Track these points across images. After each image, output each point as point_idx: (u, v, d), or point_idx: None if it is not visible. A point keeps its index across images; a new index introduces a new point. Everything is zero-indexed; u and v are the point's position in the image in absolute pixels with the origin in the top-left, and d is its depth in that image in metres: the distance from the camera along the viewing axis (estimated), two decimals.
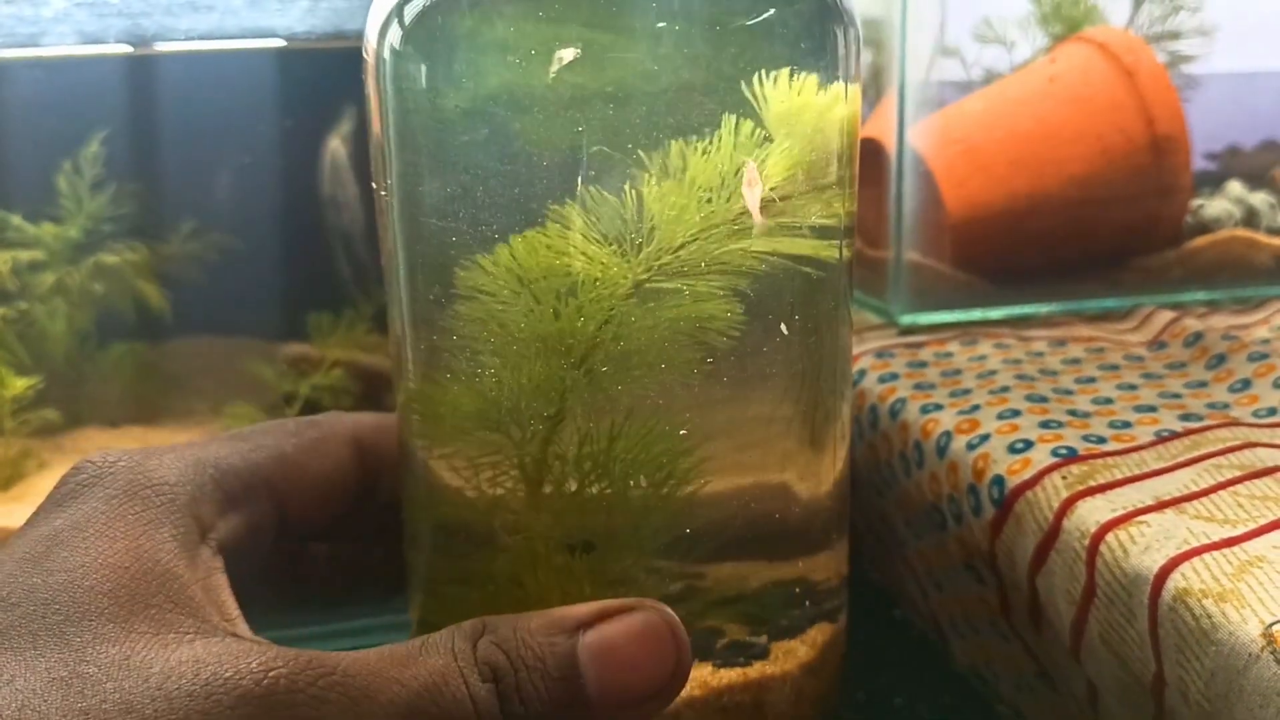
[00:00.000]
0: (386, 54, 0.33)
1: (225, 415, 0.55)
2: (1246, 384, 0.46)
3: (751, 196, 0.32)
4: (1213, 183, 0.61)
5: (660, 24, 0.31)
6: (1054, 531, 0.38)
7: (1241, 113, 0.63)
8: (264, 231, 0.56)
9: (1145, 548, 0.35)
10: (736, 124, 0.32)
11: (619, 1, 0.32)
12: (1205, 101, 0.59)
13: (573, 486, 0.33)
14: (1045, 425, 0.43)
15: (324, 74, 0.53)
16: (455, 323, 0.33)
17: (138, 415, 0.56)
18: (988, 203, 0.56)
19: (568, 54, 0.31)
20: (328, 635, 0.46)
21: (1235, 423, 0.43)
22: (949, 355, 0.52)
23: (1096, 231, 0.57)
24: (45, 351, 0.53)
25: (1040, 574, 0.38)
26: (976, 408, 0.45)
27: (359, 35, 0.35)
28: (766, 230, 0.33)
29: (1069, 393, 0.47)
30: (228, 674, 0.28)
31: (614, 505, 0.33)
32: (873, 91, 0.58)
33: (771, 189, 0.33)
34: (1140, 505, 0.37)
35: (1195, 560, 0.33)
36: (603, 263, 0.32)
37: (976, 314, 0.56)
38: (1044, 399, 0.46)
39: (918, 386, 0.48)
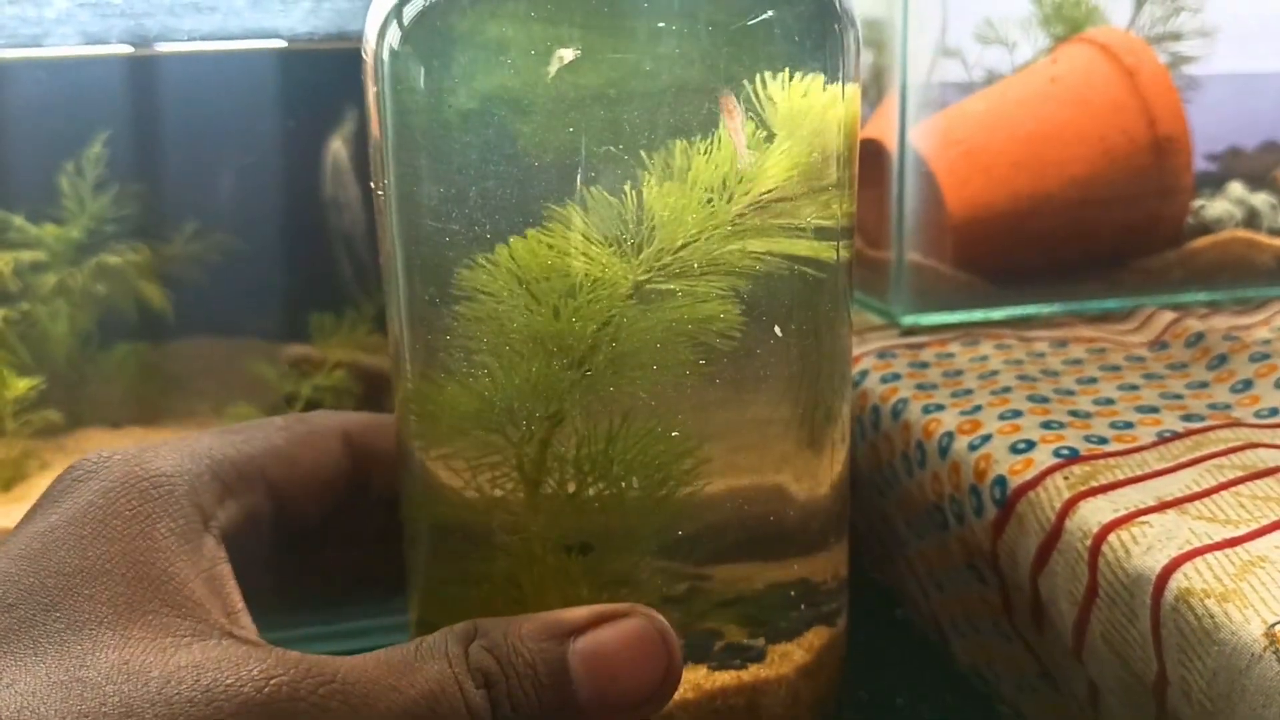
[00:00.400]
0: (385, 55, 0.33)
1: (227, 416, 0.55)
2: (1248, 384, 0.46)
3: (733, 126, 0.32)
4: (1214, 183, 0.61)
5: (659, 24, 0.31)
6: (1056, 532, 0.38)
7: (1243, 114, 0.63)
8: (266, 232, 0.56)
9: (1147, 548, 0.35)
10: (750, 125, 0.32)
11: (618, 2, 0.32)
12: (1206, 102, 0.59)
13: (571, 487, 0.33)
14: (1047, 426, 0.43)
15: (326, 75, 0.53)
16: (454, 323, 0.33)
17: (140, 416, 0.56)
18: (989, 203, 0.56)
19: (567, 54, 0.31)
20: (329, 636, 0.46)
21: (1237, 423, 0.43)
22: (951, 356, 0.52)
23: (1098, 232, 0.57)
24: (47, 352, 0.53)
25: (1042, 574, 0.38)
26: (978, 408, 0.45)
27: (361, 36, 0.35)
28: (751, 165, 0.32)
29: (1071, 393, 0.47)
30: (229, 680, 0.28)
31: (612, 506, 0.33)
32: (874, 92, 0.58)
33: (770, 190, 0.33)
34: (1142, 506, 0.37)
35: (1197, 560, 0.33)
36: (603, 263, 0.32)
37: (978, 315, 0.56)
38: (1046, 399, 0.46)
39: (920, 387, 0.48)
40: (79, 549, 0.31)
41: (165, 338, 0.55)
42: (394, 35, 0.33)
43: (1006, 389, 0.47)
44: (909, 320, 0.56)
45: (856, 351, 0.53)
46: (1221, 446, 0.40)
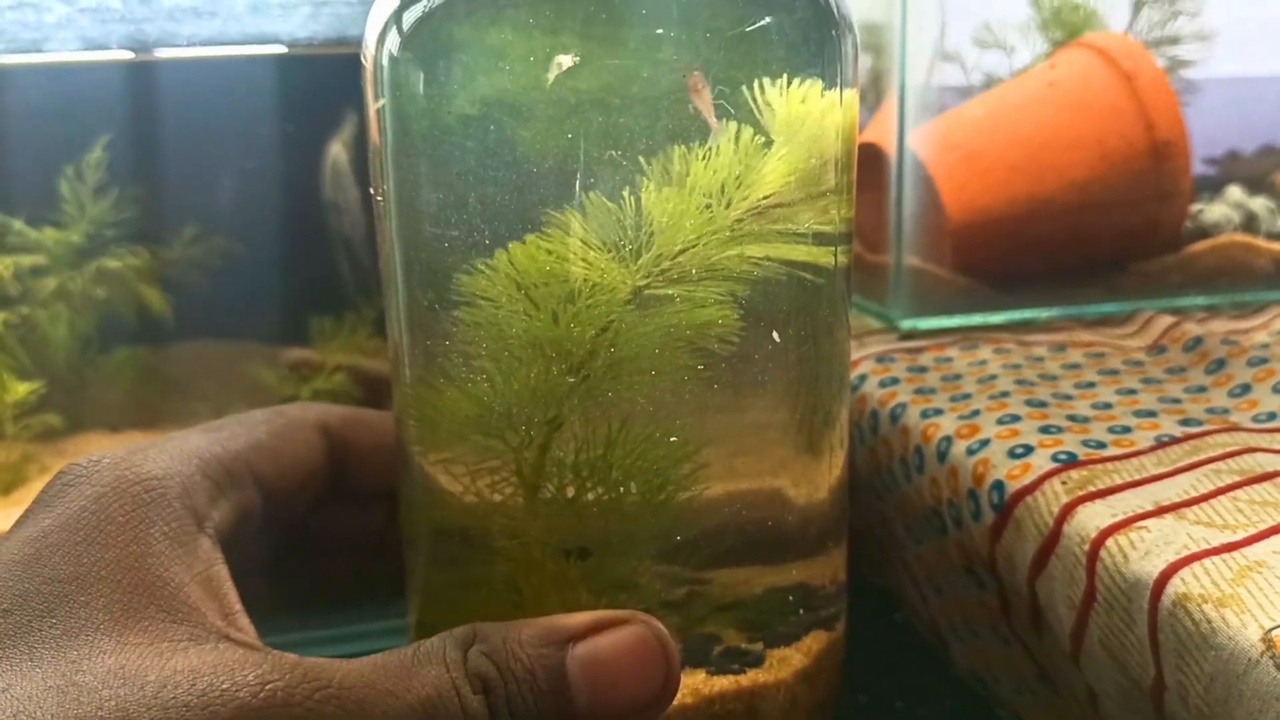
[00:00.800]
0: (385, 60, 0.33)
1: None
2: (1246, 389, 0.46)
3: (701, 104, 0.32)
4: (1212, 188, 0.61)
5: (658, 31, 0.32)
6: (1054, 536, 0.38)
7: (1241, 118, 0.64)
8: (266, 236, 0.56)
9: (1145, 553, 0.35)
10: (738, 131, 0.32)
11: (616, 9, 0.32)
12: (1205, 106, 0.59)
13: (570, 492, 0.34)
14: (1045, 430, 0.43)
15: (326, 79, 0.53)
16: (453, 328, 0.34)
17: (139, 420, 0.56)
18: (988, 207, 0.56)
19: (566, 61, 0.31)
20: (329, 640, 0.47)
21: (1235, 428, 0.43)
22: (949, 360, 0.52)
23: (1096, 236, 0.57)
24: (47, 356, 0.53)
25: (1040, 579, 0.38)
26: (977, 413, 0.45)
27: (360, 41, 0.35)
28: (720, 136, 0.32)
29: (1069, 398, 0.47)
30: (224, 685, 0.28)
31: (611, 511, 0.34)
32: (873, 96, 0.58)
33: (768, 195, 0.33)
34: (1140, 510, 0.37)
35: (1195, 565, 0.33)
36: (601, 269, 0.32)
37: (977, 319, 0.56)
38: (1044, 404, 0.46)
39: (918, 391, 0.48)
40: (73, 555, 0.31)
41: (165, 341, 0.55)
42: (393, 41, 0.33)
43: (1005, 393, 0.47)
44: (907, 324, 0.56)
45: (855, 356, 0.53)
46: (1219, 451, 0.40)
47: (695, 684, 0.35)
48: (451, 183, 0.33)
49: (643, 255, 0.32)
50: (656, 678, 0.31)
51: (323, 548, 0.40)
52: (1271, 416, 0.44)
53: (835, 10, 0.34)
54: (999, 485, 0.41)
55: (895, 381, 0.50)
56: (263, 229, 0.56)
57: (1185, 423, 0.44)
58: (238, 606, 0.32)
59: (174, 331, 0.55)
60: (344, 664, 0.30)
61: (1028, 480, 0.40)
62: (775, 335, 0.34)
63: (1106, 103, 0.57)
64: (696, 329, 0.33)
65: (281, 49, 0.50)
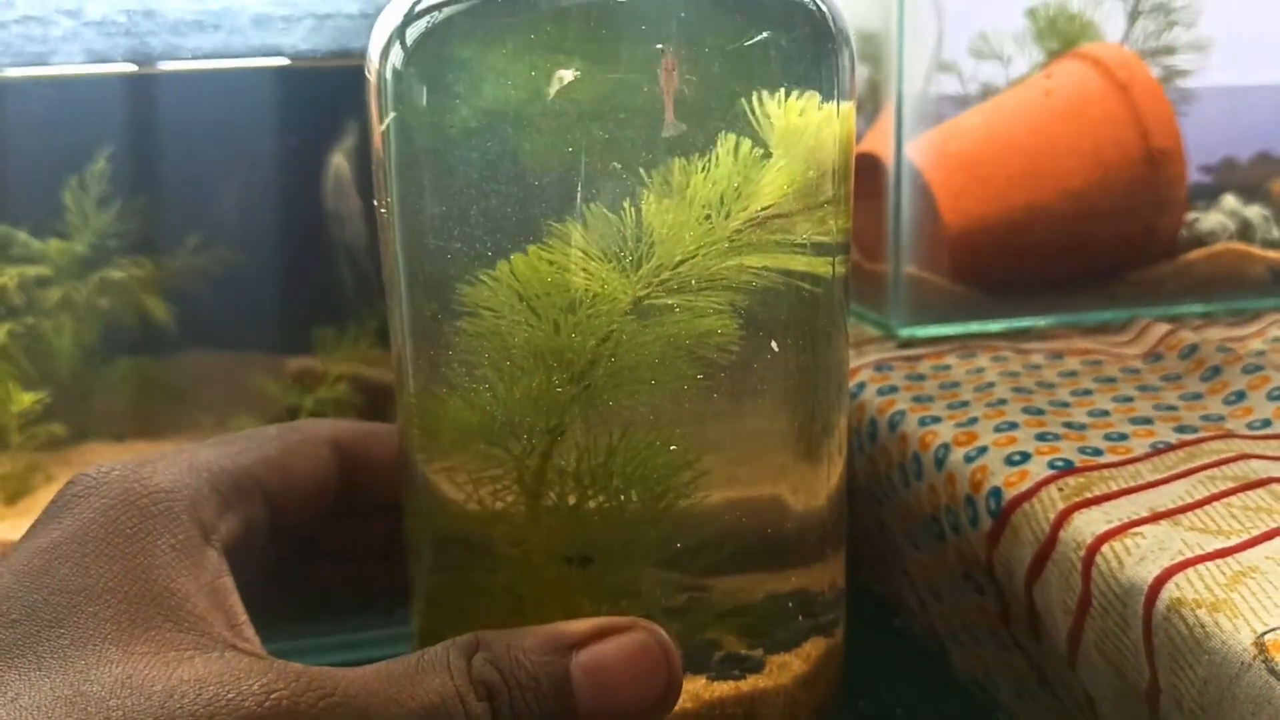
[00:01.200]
0: (388, 74, 0.34)
1: (230, 429, 0.55)
2: (1241, 396, 0.47)
3: (667, 87, 0.32)
4: (1208, 196, 0.61)
5: (658, 45, 0.32)
6: (1050, 543, 0.38)
7: (1236, 126, 0.64)
8: (268, 246, 0.56)
9: (1140, 559, 0.35)
10: (736, 143, 0.32)
11: (617, 23, 0.32)
12: (1200, 115, 0.59)
13: (571, 500, 0.34)
14: (1042, 437, 0.43)
15: (328, 91, 0.53)
16: (455, 338, 0.34)
17: (143, 429, 0.56)
18: (985, 216, 0.56)
19: (567, 75, 0.32)
20: (334, 647, 0.47)
21: (1230, 435, 0.43)
22: (947, 368, 0.52)
23: (1093, 244, 0.58)
24: (51, 366, 0.54)
25: (1037, 584, 0.39)
26: (974, 420, 0.46)
27: (363, 53, 0.35)
28: (676, 130, 0.32)
29: (1066, 405, 0.47)
30: (230, 695, 0.29)
31: (612, 519, 0.34)
32: (871, 106, 0.58)
33: (767, 206, 0.33)
34: (1135, 517, 0.37)
35: (1189, 571, 0.34)
36: (602, 279, 0.32)
37: (974, 327, 0.57)
38: (1041, 411, 0.46)
39: (916, 399, 0.49)
40: (81, 566, 0.31)
41: (168, 351, 0.55)
42: (397, 56, 0.34)
43: (1002, 401, 0.47)
44: (906, 332, 0.56)
45: (854, 364, 0.53)
46: (1214, 458, 0.41)
47: (695, 689, 0.35)
48: (454, 195, 0.33)
49: (643, 266, 0.33)
50: (658, 683, 0.32)
51: (330, 558, 0.40)
52: (1266, 423, 0.44)
53: (832, 24, 0.35)
54: (996, 492, 0.41)
55: (893, 389, 0.50)
56: (265, 239, 0.56)
57: (1181, 429, 0.44)
58: (243, 617, 0.33)
59: (177, 341, 0.55)
60: (348, 672, 0.30)
61: (1025, 487, 0.40)
62: (774, 344, 0.34)
63: (1102, 112, 0.57)
64: (696, 338, 0.33)
65: (284, 62, 0.51)
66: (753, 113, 0.33)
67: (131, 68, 0.50)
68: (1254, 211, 0.61)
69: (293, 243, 0.56)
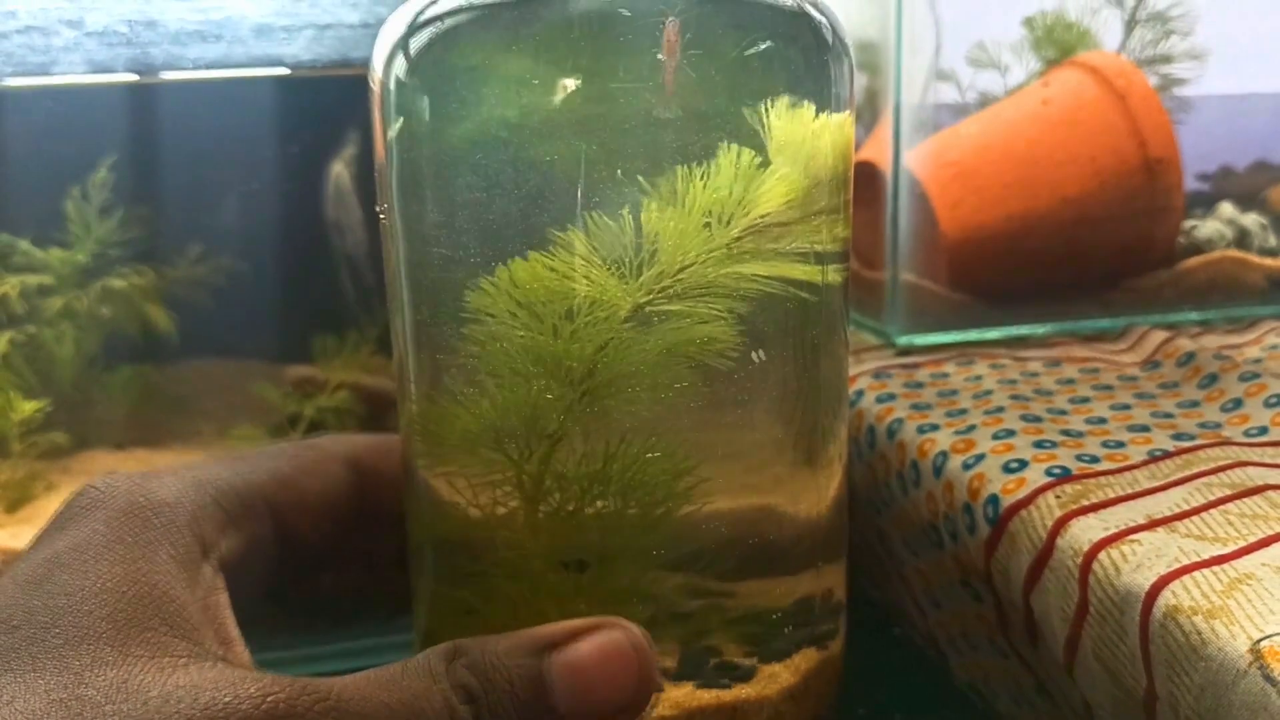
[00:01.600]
0: (392, 84, 0.34)
1: (230, 437, 0.55)
2: (1238, 403, 0.47)
3: (668, 60, 0.32)
4: (1205, 204, 0.62)
5: (660, 55, 0.32)
6: (1048, 550, 0.38)
7: (1233, 134, 0.64)
8: (269, 255, 0.56)
9: (1137, 566, 0.35)
10: (739, 153, 0.33)
11: (619, 33, 0.32)
12: (1197, 123, 0.59)
13: (570, 506, 0.34)
14: (1039, 445, 0.43)
15: (329, 101, 0.54)
16: (457, 344, 0.34)
17: (144, 437, 0.56)
18: (982, 224, 0.57)
19: (569, 84, 0.32)
20: (332, 656, 0.47)
21: (1226, 442, 0.43)
22: (945, 376, 0.52)
23: (1090, 252, 0.58)
24: (53, 375, 0.54)
25: (1034, 591, 0.39)
26: (972, 428, 0.46)
27: (363, 63, 0.36)
28: (673, 93, 0.33)
29: (1063, 413, 0.47)
30: (227, 699, 0.29)
31: (610, 525, 0.34)
32: (869, 115, 0.59)
33: (767, 215, 0.34)
34: (1132, 524, 0.37)
35: (1186, 578, 0.34)
36: (603, 286, 0.33)
37: (972, 335, 0.57)
38: (1038, 419, 0.46)
39: (914, 407, 0.49)
40: (81, 571, 0.31)
41: (169, 360, 0.56)
42: (400, 66, 0.34)
43: (1000, 408, 0.48)
44: (904, 340, 0.56)
45: (852, 372, 0.53)
46: (1211, 465, 0.41)
47: (678, 697, 0.35)
48: (456, 203, 0.34)
49: (643, 273, 0.33)
50: (631, 680, 0.32)
51: (341, 569, 0.40)
52: (1262, 431, 0.44)
53: (832, 35, 0.35)
54: (994, 499, 0.41)
55: (892, 397, 0.50)
56: (266, 248, 0.56)
57: (1178, 437, 0.44)
58: (234, 635, 0.33)
59: (178, 350, 0.55)
60: (340, 679, 0.30)
61: (1022, 494, 0.40)
62: (774, 352, 0.35)
63: (1099, 120, 0.57)
64: (695, 346, 0.33)
65: (285, 71, 0.51)
66: (756, 121, 0.33)
67: (133, 78, 0.50)
68: (1251, 219, 0.61)
69: (293, 251, 0.56)
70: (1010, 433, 0.45)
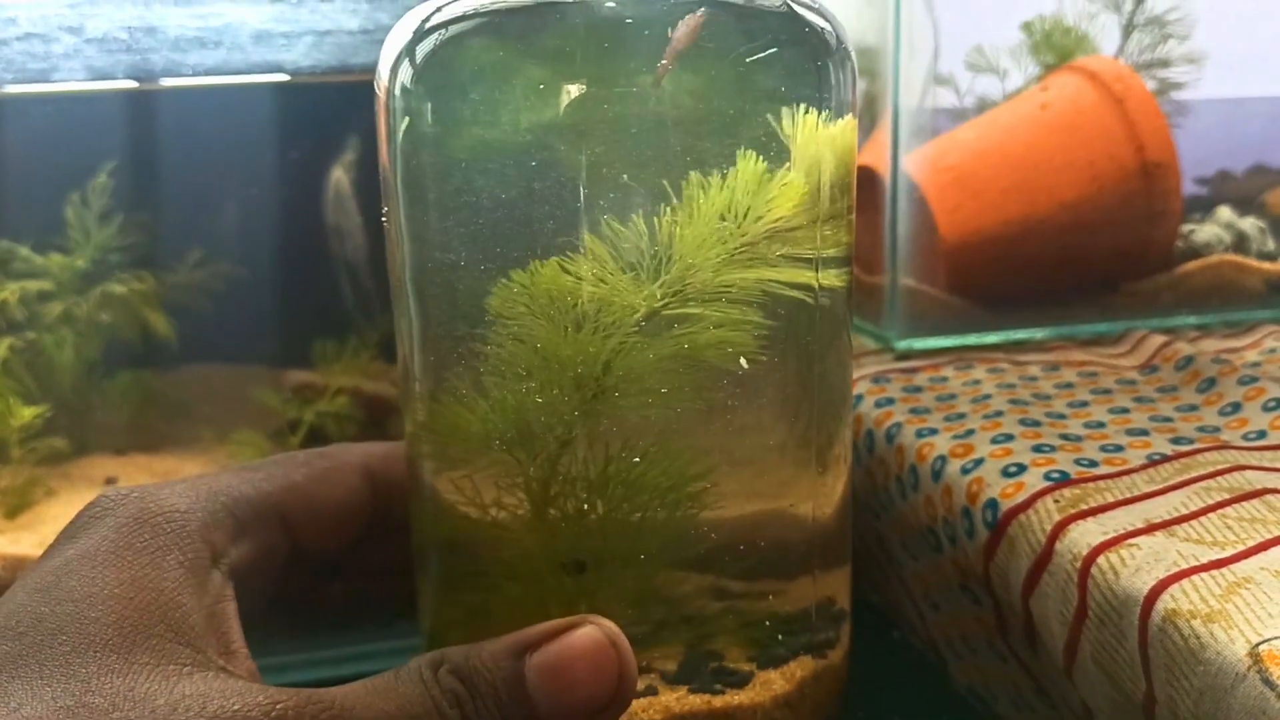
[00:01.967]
0: (397, 90, 0.34)
1: (231, 442, 0.56)
2: (1236, 407, 0.47)
3: (677, 42, 0.32)
4: (1203, 208, 0.62)
5: (664, 60, 0.32)
6: (1046, 554, 0.38)
7: (1231, 138, 0.64)
8: (269, 260, 0.57)
9: (1136, 570, 0.35)
10: (746, 157, 0.33)
11: (622, 39, 0.33)
12: (1195, 127, 0.60)
13: (578, 509, 0.34)
14: (1038, 449, 0.44)
15: (328, 107, 0.54)
16: (464, 347, 0.34)
17: (144, 443, 0.56)
18: (981, 228, 0.57)
19: (574, 89, 0.32)
20: (339, 660, 0.47)
21: (1225, 446, 0.43)
22: (944, 380, 0.53)
23: (1088, 256, 0.58)
24: (53, 380, 0.54)
25: (1033, 596, 0.39)
26: (971, 432, 0.46)
27: (363, 69, 0.36)
28: (666, 74, 0.33)
29: (1062, 417, 0.47)
30: (235, 707, 0.29)
31: (617, 528, 0.34)
32: (867, 120, 0.59)
33: (778, 220, 0.34)
34: (1131, 528, 0.37)
35: (1184, 582, 0.34)
36: (612, 290, 0.33)
37: (971, 339, 0.57)
38: (1037, 423, 0.46)
39: (913, 411, 0.49)
40: (88, 578, 0.31)
41: (169, 365, 0.56)
42: (406, 73, 0.34)
43: (999, 413, 0.48)
44: (903, 345, 0.56)
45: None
46: (1209, 469, 0.41)
47: (668, 701, 0.35)
48: (462, 208, 0.34)
49: (653, 277, 0.33)
50: (610, 677, 0.32)
51: (352, 577, 0.41)
52: (1261, 434, 0.44)
53: (835, 40, 0.35)
54: (993, 503, 0.41)
55: (891, 401, 0.50)
56: (266, 254, 0.57)
57: (1176, 441, 0.44)
58: (239, 643, 0.33)
59: (178, 355, 0.55)
60: (339, 688, 0.31)
61: (1021, 499, 0.40)
62: (779, 356, 0.35)
63: (1097, 125, 0.57)
64: (704, 350, 0.34)
65: (285, 77, 0.51)
66: (766, 126, 0.33)
67: (133, 84, 0.51)
68: (1249, 223, 0.61)
69: (293, 257, 0.57)
70: (1009, 437, 0.45)
